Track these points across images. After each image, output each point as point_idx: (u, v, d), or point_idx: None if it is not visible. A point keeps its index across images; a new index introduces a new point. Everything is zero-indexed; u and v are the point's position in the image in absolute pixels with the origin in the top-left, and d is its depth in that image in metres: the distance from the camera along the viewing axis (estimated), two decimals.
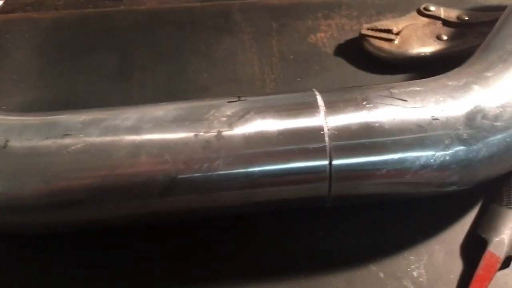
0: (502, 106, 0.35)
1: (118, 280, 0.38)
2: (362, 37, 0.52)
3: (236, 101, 0.37)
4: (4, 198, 0.35)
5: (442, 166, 0.36)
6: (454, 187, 0.37)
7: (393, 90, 0.37)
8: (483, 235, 0.37)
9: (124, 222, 0.38)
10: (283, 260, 0.38)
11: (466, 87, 0.36)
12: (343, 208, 0.39)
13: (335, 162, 0.36)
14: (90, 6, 0.60)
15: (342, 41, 0.54)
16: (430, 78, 0.39)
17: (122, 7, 0.60)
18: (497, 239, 0.36)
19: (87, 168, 0.35)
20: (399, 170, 0.36)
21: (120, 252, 0.40)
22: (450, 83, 0.37)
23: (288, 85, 0.51)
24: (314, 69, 0.52)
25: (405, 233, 0.39)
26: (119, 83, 0.52)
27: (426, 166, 0.36)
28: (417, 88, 0.37)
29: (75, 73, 0.53)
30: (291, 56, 0.53)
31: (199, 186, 0.35)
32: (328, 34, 0.55)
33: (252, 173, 0.35)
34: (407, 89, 0.37)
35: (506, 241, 0.36)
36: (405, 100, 0.36)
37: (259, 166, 0.35)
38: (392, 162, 0.36)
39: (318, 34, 0.55)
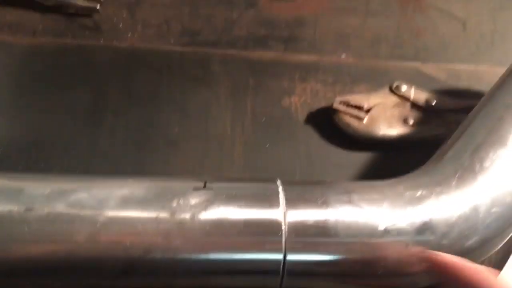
0: (450, 226, 0.38)
1: None
2: (334, 110, 0.53)
3: (201, 188, 0.38)
4: None
5: (389, 274, 0.38)
6: None
7: (352, 196, 0.38)
8: None
9: None
10: None
11: (420, 200, 0.38)
12: None
13: (289, 257, 0.37)
14: (70, 35, 0.59)
15: (314, 109, 0.56)
16: (390, 182, 0.41)
17: (102, 40, 0.59)
18: None
19: (46, 242, 0.36)
20: (349, 272, 0.38)
21: None
22: (406, 194, 0.39)
23: (256, 150, 0.52)
24: (284, 136, 0.54)
25: None
26: (90, 127, 0.52)
27: (374, 272, 0.38)
28: (375, 196, 0.39)
29: (46, 111, 0.53)
30: (263, 119, 0.55)
31: (156, 272, 0.36)
32: (302, 99, 0.57)
33: (209, 262, 0.37)
34: (365, 196, 0.39)
35: None
36: (361, 208, 0.38)
37: (216, 255, 0.37)
38: (343, 264, 0.38)
39: (292, 98, 0.57)
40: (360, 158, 0.52)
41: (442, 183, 0.39)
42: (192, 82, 0.57)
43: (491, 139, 0.41)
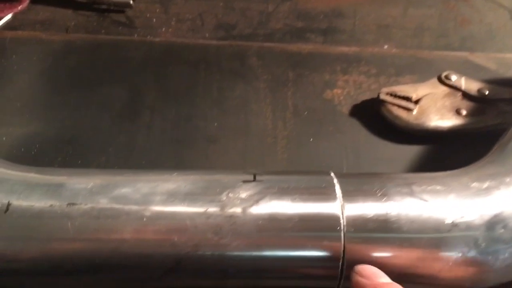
0: None
1: None
2: (380, 102, 0.50)
3: (251, 181, 0.36)
4: (4, 260, 0.33)
5: (455, 271, 0.35)
6: None
7: (413, 187, 0.36)
8: None
9: None
10: None
11: (488, 192, 0.35)
12: None
13: (349, 254, 0.34)
14: (103, 31, 0.58)
15: (358, 101, 0.53)
16: (452, 173, 0.38)
17: (136, 36, 0.58)
18: None
19: (89, 239, 0.33)
20: (413, 269, 0.35)
21: None
22: (472, 185, 0.36)
23: (300, 145, 0.49)
24: (328, 129, 0.51)
25: None
26: (126, 123, 0.50)
27: (439, 269, 0.35)
28: (439, 187, 0.36)
29: (81, 107, 0.51)
30: (306, 112, 0.52)
31: (205, 269, 0.34)
32: (344, 91, 0.54)
33: (262, 259, 0.34)
34: (428, 188, 0.36)
35: None
36: (425, 201, 0.35)
37: (270, 252, 0.34)
38: (407, 261, 0.35)
39: (334, 90, 0.54)
40: (411, 151, 0.49)
41: (509, 174, 0.36)
42: (229, 76, 0.55)
43: None
